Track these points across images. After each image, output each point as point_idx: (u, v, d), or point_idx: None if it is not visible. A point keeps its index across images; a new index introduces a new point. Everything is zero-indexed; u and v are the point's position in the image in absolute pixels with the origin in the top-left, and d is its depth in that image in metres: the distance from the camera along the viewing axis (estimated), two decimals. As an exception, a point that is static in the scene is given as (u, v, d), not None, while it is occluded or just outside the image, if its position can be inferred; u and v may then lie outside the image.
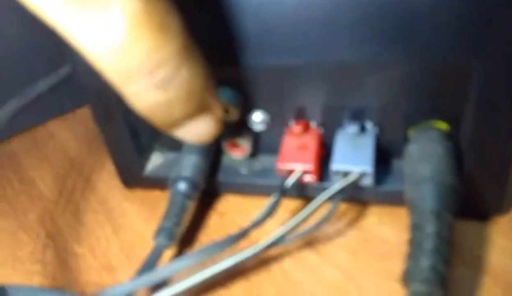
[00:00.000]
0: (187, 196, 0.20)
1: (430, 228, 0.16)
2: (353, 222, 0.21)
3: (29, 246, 0.23)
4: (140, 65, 0.13)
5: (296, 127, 0.20)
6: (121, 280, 0.20)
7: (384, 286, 0.18)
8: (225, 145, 0.22)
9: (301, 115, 0.20)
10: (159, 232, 0.19)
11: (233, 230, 0.18)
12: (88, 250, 0.22)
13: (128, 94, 0.14)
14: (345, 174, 0.19)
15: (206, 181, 0.22)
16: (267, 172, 0.22)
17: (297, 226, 0.18)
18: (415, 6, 0.15)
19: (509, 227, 0.19)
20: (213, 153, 0.22)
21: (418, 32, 0.16)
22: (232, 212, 0.22)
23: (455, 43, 0.15)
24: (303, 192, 0.21)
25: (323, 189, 0.19)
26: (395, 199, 0.20)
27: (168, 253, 0.20)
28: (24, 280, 0.21)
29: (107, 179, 0.26)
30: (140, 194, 0.24)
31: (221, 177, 0.22)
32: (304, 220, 0.18)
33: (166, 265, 0.17)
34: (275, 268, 0.19)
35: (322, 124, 0.20)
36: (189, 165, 0.21)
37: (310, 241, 0.20)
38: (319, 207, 0.19)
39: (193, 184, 0.21)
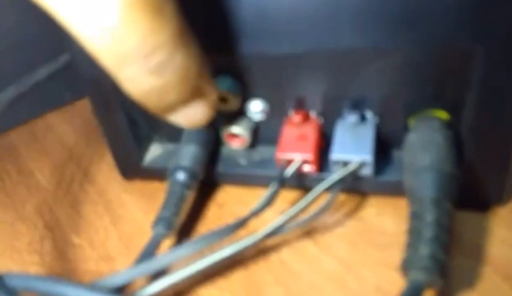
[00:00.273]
0: (186, 185, 0.20)
1: (429, 216, 0.16)
2: (352, 212, 0.21)
3: (27, 236, 0.23)
4: (135, 49, 0.13)
5: (295, 117, 0.20)
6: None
7: (383, 276, 0.18)
8: (224, 135, 0.22)
9: (300, 105, 0.20)
10: (158, 221, 0.19)
11: (232, 221, 0.17)
12: (86, 241, 0.22)
13: (123, 79, 0.14)
14: (345, 164, 0.19)
15: (205, 171, 0.22)
16: (267, 162, 0.22)
17: (296, 215, 0.18)
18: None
19: (509, 218, 0.19)
20: (212, 143, 0.22)
21: (420, 17, 0.15)
22: (231, 203, 0.22)
23: (458, 29, 0.15)
24: (302, 183, 0.21)
25: (323, 180, 0.19)
26: (395, 190, 0.20)
27: (167, 244, 0.20)
28: (21, 270, 0.21)
29: (106, 171, 0.26)
30: (139, 185, 0.24)
31: (220, 168, 0.22)
32: (303, 210, 0.18)
33: (165, 254, 0.17)
34: (274, 258, 0.19)
35: (322, 114, 0.20)
36: (188, 154, 0.21)
37: (308, 231, 0.20)
38: (319, 196, 0.19)
39: (192, 174, 0.20)
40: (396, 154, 0.20)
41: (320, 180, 0.19)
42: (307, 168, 0.20)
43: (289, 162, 0.20)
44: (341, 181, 0.19)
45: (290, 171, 0.20)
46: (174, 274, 0.16)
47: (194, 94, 0.15)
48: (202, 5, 0.17)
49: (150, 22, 0.12)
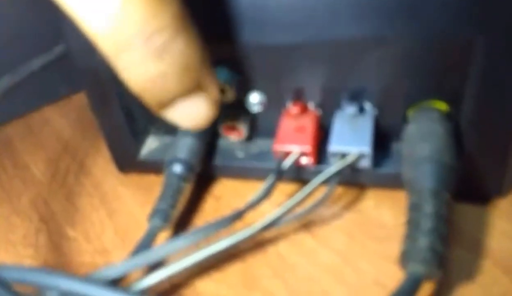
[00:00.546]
0: (182, 178, 0.20)
1: (428, 208, 0.15)
2: (350, 205, 0.20)
3: (22, 230, 0.23)
4: (136, 33, 0.12)
5: (293, 109, 0.20)
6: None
7: (381, 268, 0.18)
8: (222, 127, 0.22)
9: (298, 97, 0.20)
10: (154, 213, 0.19)
11: (229, 213, 0.17)
12: (82, 233, 0.22)
13: (123, 67, 0.13)
14: (343, 156, 0.19)
15: (202, 163, 0.21)
16: (264, 155, 0.22)
17: (293, 208, 0.18)
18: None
19: (509, 210, 0.19)
20: (209, 135, 0.22)
21: (419, 7, 0.15)
22: (228, 195, 0.22)
23: (458, 19, 0.15)
24: (300, 175, 0.21)
25: (321, 172, 0.19)
26: (393, 182, 0.19)
27: (163, 237, 0.20)
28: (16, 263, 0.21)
29: (102, 163, 0.26)
30: (135, 178, 0.24)
31: (217, 160, 0.22)
32: (300, 202, 0.18)
33: (161, 245, 0.17)
34: (271, 251, 0.19)
35: (320, 105, 0.20)
36: (185, 147, 0.21)
37: (306, 224, 0.20)
38: (316, 188, 0.18)
39: (188, 166, 0.20)
40: (395, 146, 0.20)
41: (318, 172, 0.19)
42: (305, 160, 0.20)
43: (286, 154, 0.20)
44: (339, 173, 0.19)
45: (287, 163, 0.19)
46: (170, 266, 0.16)
47: (195, 86, 0.15)
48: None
49: (151, 5, 0.12)
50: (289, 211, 0.18)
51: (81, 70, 0.21)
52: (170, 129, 0.23)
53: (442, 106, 0.18)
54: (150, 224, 0.19)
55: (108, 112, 0.22)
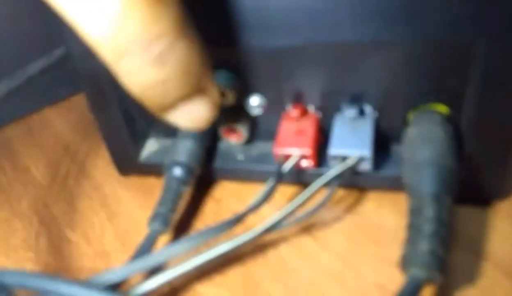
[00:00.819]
0: (182, 181, 0.20)
1: (429, 211, 0.15)
2: (351, 207, 0.20)
3: (22, 233, 0.23)
4: (136, 38, 0.12)
5: (293, 112, 0.20)
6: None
7: (382, 272, 0.18)
8: (222, 130, 0.22)
9: (299, 100, 0.20)
10: (154, 217, 0.19)
11: (229, 217, 0.17)
12: (82, 236, 0.22)
13: (122, 72, 0.13)
14: (343, 159, 0.19)
15: (202, 166, 0.21)
16: (264, 158, 0.22)
17: (294, 211, 0.18)
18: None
19: (510, 213, 0.19)
20: (209, 138, 0.22)
21: (420, 10, 0.15)
22: (228, 198, 0.22)
23: (458, 22, 0.15)
24: (300, 178, 0.21)
25: (321, 175, 0.19)
26: (394, 185, 0.19)
27: (163, 240, 0.20)
28: (16, 267, 0.21)
29: (102, 166, 0.26)
30: (135, 181, 0.24)
31: (218, 163, 0.22)
32: (301, 205, 0.18)
33: (161, 250, 0.17)
34: (272, 254, 0.19)
35: (320, 108, 0.20)
36: (185, 150, 0.21)
37: (307, 227, 0.20)
38: (317, 192, 0.18)
39: (188, 170, 0.20)
40: (395, 148, 0.20)
41: (318, 175, 0.19)
42: (305, 163, 0.20)
43: (287, 157, 0.20)
44: (339, 176, 0.19)
45: (288, 166, 0.19)
46: (170, 270, 0.16)
47: (195, 90, 0.15)
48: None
49: (151, 11, 0.12)
50: (289, 214, 0.18)
51: (81, 73, 0.21)
52: (170, 132, 0.23)
53: (443, 109, 0.18)
54: (150, 228, 0.19)
55: (108, 115, 0.22)
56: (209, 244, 0.17)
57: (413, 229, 0.15)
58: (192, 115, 0.15)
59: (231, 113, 0.21)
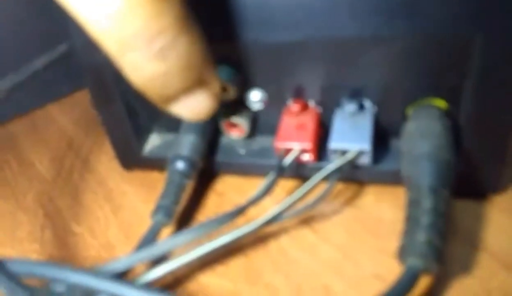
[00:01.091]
0: (185, 174, 0.20)
1: (427, 203, 0.16)
2: (350, 200, 0.21)
3: (28, 226, 0.23)
4: (139, 33, 0.13)
5: (294, 106, 0.20)
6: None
7: (380, 263, 0.18)
8: (223, 125, 0.22)
9: (299, 94, 0.20)
10: (157, 210, 0.19)
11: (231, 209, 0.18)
12: (87, 229, 0.22)
13: (126, 65, 0.14)
14: (343, 153, 0.19)
15: (204, 160, 0.22)
16: (265, 152, 0.22)
17: (294, 203, 0.18)
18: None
19: (506, 205, 0.19)
20: (211, 133, 0.22)
21: (419, 5, 0.15)
22: (230, 192, 0.22)
23: (457, 17, 0.15)
24: (301, 172, 0.21)
25: (321, 169, 0.19)
26: (392, 178, 0.20)
27: (166, 233, 0.20)
28: (23, 258, 0.21)
29: (106, 161, 0.26)
30: (138, 175, 0.24)
31: (219, 157, 0.22)
32: (301, 198, 0.18)
33: (164, 240, 0.17)
34: (273, 246, 0.19)
35: (320, 103, 0.20)
36: (187, 144, 0.21)
37: (306, 219, 0.20)
38: (317, 185, 0.19)
39: (191, 163, 0.21)
40: (394, 142, 0.20)
41: (318, 169, 0.19)
42: (305, 157, 0.20)
43: (287, 151, 0.20)
44: (339, 170, 0.19)
45: (288, 160, 0.20)
46: (174, 261, 0.16)
47: (197, 82, 0.15)
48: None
49: (154, 6, 0.12)
50: (290, 206, 0.18)
51: (85, 68, 0.21)
52: (173, 127, 0.23)
53: (441, 104, 0.18)
54: (154, 219, 0.19)
55: (111, 110, 0.22)
56: (211, 235, 0.17)
57: (411, 220, 0.16)
58: (193, 106, 0.16)
59: (233, 108, 0.21)
